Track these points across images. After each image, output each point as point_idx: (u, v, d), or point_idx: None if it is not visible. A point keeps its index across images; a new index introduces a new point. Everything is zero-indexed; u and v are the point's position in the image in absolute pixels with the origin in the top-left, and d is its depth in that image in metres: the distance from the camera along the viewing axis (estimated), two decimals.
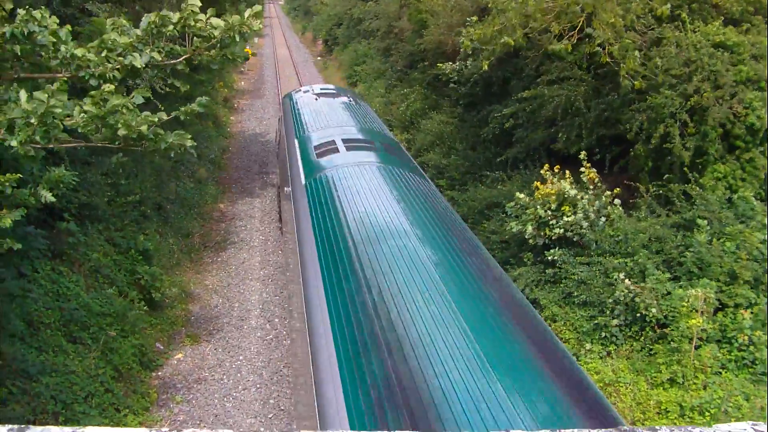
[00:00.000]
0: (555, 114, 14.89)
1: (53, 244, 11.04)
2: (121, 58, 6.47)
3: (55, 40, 6.14)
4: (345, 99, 16.63)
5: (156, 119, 6.25)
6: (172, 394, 10.57)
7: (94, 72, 6.31)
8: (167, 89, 14.89)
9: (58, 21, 6.10)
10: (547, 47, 13.48)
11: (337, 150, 11.51)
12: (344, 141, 11.97)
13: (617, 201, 12.23)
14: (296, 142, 13.03)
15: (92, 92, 6.04)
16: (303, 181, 10.60)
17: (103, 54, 6.39)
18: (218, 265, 15.03)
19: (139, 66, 6.44)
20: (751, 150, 11.95)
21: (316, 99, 16.22)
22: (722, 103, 11.93)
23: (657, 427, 1.42)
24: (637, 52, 12.57)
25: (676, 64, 12.39)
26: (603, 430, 1.42)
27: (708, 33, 12.69)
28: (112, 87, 6.13)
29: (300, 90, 18.29)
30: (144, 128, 6.10)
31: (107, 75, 6.40)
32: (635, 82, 12.40)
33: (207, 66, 7.18)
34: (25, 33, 5.80)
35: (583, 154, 12.56)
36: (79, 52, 6.16)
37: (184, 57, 6.97)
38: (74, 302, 10.58)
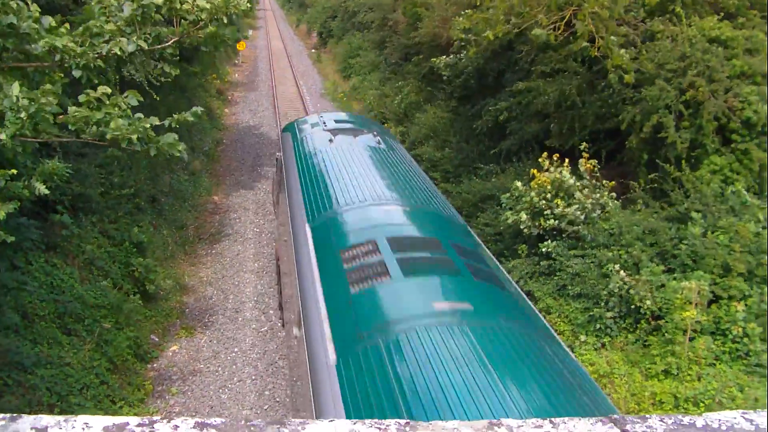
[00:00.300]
0: (549, 107, 14.89)
1: (47, 236, 11.01)
2: (104, 45, 6.43)
3: (37, 27, 6.10)
4: (371, 139, 11.72)
5: (147, 125, 6.23)
6: (168, 385, 10.58)
7: (79, 62, 6.28)
8: (161, 80, 14.77)
9: (39, 10, 6.07)
10: (530, 34, 13.46)
11: (384, 270, 6.59)
12: (393, 245, 7.07)
13: (613, 194, 12.29)
14: (308, 233, 8.14)
15: (88, 90, 6.02)
16: (331, 358, 5.73)
17: (88, 43, 6.36)
18: (213, 257, 15.02)
19: (123, 51, 6.41)
20: (747, 143, 11.98)
21: (331, 140, 11.38)
22: (717, 97, 11.98)
23: (647, 416, 1.43)
24: (623, 50, 12.62)
25: (671, 59, 12.42)
26: (593, 418, 1.42)
27: (703, 28, 12.71)
28: (108, 90, 6.12)
29: (306, 122, 13.38)
30: (134, 137, 6.09)
31: (91, 65, 6.37)
32: (625, 76, 12.43)
33: (200, 55, 7.19)
34: (4, 24, 5.76)
35: (584, 145, 12.63)
36: (59, 42, 6.12)
37: (173, 40, 6.96)
38: (68, 294, 10.56)
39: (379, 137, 11.87)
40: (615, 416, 1.43)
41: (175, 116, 6.85)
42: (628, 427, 1.38)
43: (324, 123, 12.69)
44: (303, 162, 10.83)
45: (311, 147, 11.40)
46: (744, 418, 1.47)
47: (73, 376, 9.35)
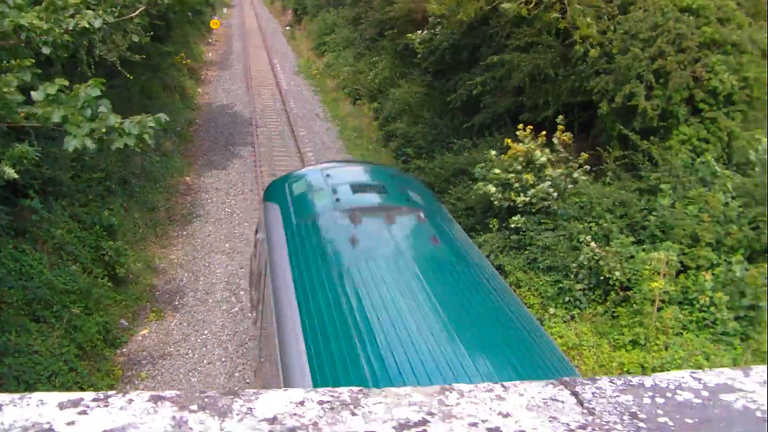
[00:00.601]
0: (523, 81, 14.83)
1: (16, 222, 10.87)
2: (70, 19, 6.38)
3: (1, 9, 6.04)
4: (420, 230, 7.22)
5: (104, 129, 6.17)
6: (137, 370, 10.52)
7: (46, 39, 6.23)
8: (134, 57, 14.51)
9: None
10: (500, 7, 13.40)
11: None
12: None
13: (586, 167, 12.30)
14: None
15: (46, 83, 5.96)
16: None
17: (53, 19, 6.30)
18: (184, 238, 14.90)
19: (90, 25, 6.34)
20: (715, 111, 11.99)
21: (354, 239, 6.70)
22: (685, 68, 11.98)
23: (598, 377, 1.47)
24: (588, 19, 12.59)
25: (643, 28, 12.40)
26: (544, 381, 1.45)
27: None
28: (65, 82, 6.08)
29: (306, 185, 8.63)
30: (90, 144, 6.04)
31: (59, 41, 6.32)
32: (591, 51, 12.43)
33: (172, 33, 7.19)
34: None
35: (560, 118, 12.62)
36: (24, 20, 6.05)
37: (140, 9, 6.93)
38: (37, 280, 10.44)
39: (427, 221, 7.29)
40: (565, 378, 1.46)
41: (137, 118, 6.80)
42: (578, 388, 1.42)
43: (334, 192, 7.87)
44: (307, 285, 6.33)
45: (320, 251, 6.85)
46: (692, 377, 1.51)
47: (41, 364, 9.26)
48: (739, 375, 1.51)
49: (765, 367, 1.52)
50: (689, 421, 1.32)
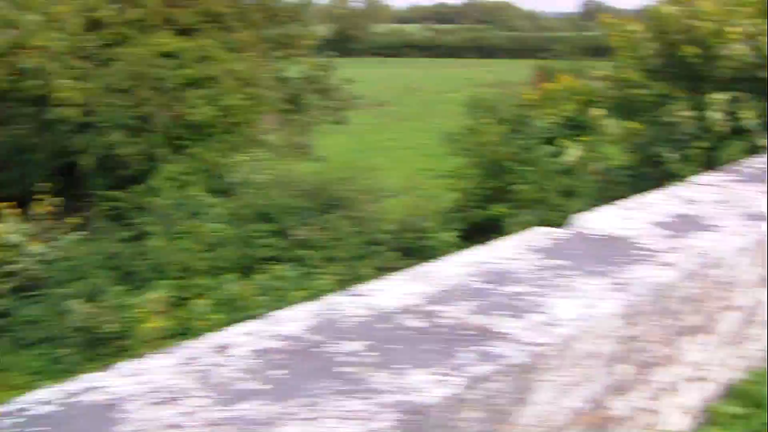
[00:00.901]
0: (2, 156, 13.62)
1: None
2: None
3: None
4: None
5: None
6: None
7: None
8: None
9: None
10: None
11: None
12: None
13: (83, 232, 11.49)
14: None
15: None
16: None
17: None
18: None
19: None
20: (197, 146, 12.19)
21: None
22: (168, 109, 12.09)
23: None
24: (64, 82, 12.16)
25: (122, 79, 12.29)
26: None
27: (157, 44, 12.80)
28: None
29: None
30: None
31: None
32: (67, 112, 11.97)
33: None
34: None
35: (43, 186, 11.63)
36: None
37: None
38: None
39: None
40: None
41: None
42: None
43: None
44: None
45: None
46: (58, 390, 1.65)
47: None
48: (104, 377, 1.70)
49: (132, 361, 1.75)
50: (43, 429, 1.47)
